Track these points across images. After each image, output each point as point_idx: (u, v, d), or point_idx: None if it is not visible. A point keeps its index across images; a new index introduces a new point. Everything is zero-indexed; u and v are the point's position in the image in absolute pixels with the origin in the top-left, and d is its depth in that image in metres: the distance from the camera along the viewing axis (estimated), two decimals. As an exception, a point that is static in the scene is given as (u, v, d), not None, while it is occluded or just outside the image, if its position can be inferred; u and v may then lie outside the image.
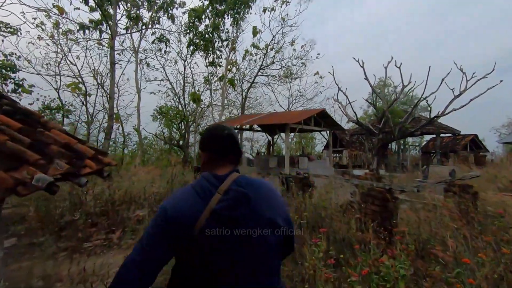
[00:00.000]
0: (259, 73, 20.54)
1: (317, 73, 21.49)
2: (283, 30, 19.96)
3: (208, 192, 1.07)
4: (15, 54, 16.32)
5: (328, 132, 13.91)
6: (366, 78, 10.42)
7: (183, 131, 18.55)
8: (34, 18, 16.06)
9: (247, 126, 15.12)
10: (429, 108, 9.44)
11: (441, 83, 9.54)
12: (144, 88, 18.59)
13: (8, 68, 15.95)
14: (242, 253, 1.04)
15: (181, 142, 18.65)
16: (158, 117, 18.66)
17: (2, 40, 17.40)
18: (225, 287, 1.03)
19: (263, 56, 20.23)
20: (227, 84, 18.11)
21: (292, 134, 20.01)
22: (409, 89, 9.99)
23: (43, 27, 15.69)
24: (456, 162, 13.88)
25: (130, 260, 1.04)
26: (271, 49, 20.39)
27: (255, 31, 20.02)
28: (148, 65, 17.87)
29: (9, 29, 16.17)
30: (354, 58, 10.50)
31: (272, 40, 20.09)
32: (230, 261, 1.03)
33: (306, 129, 11.71)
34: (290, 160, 11.82)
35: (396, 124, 9.97)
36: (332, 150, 20.79)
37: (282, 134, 17.15)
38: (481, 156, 16.43)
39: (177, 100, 19.25)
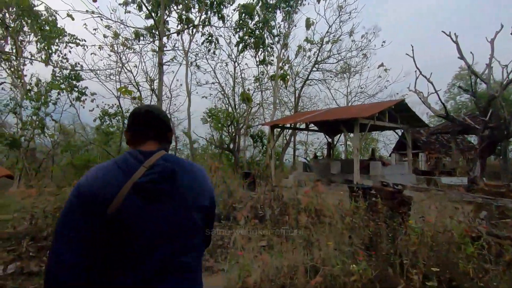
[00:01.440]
0: (314, 69, 18.63)
1: (382, 65, 18.68)
2: (340, 19, 17.80)
3: (132, 167, 1.01)
4: (79, 63, 17.35)
5: (404, 130, 11.23)
6: (462, 57, 7.89)
7: (233, 134, 17.62)
8: (95, 29, 16.94)
9: (302, 126, 13.40)
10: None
11: None
12: (196, 92, 18.25)
13: (74, 78, 17.05)
14: (163, 230, 0.98)
15: (231, 146, 17.74)
16: (208, 119, 18.07)
17: (70, 51, 18.92)
18: (142, 265, 0.94)
19: (318, 50, 18.30)
20: (279, 80, 16.64)
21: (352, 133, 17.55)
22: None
23: (104, 39, 16.36)
24: None
25: (50, 257, 0.94)
26: (327, 42, 18.36)
27: (308, 23, 18.26)
28: (198, 67, 17.44)
29: (76, 41, 17.32)
30: (444, 32, 8.06)
31: (327, 32, 18.07)
32: (149, 238, 0.96)
33: (379, 126, 9.41)
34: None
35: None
36: (403, 153, 17.71)
37: (344, 134, 15.00)
38: None
39: (227, 102, 18.47)
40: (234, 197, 7.39)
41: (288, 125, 11.91)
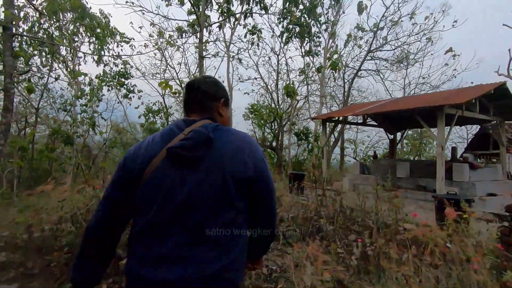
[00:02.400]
0: (368, 57, 16.64)
1: (450, 50, 15.95)
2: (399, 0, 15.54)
3: (172, 134, 1.03)
4: (127, 62, 17.70)
5: (497, 123, 8.94)
6: None
7: (277, 131, 16.49)
8: (140, 27, 17.16)
9: (357, 120, 11.76)
10: None
11: None
12: (238, 88, 17.53)
13: (123, 75, 17.45)
14: (193, 198, 0.94)
15: (274, 144, 16.64)
16: (250, 116, 17.19)
17: (121, 49, 19.54)
18: (170, 234, 0.93)
19: (373, 37, 16.27)
20: (329, 70, 15.06)
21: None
22: None
23: (150, 39, 16.46)
24: None
25: (99, 204, 1.08)
26: (382, 28, 16.23)
27: (360, 7, 16.26)
28: (240, 60, 16.64)
29: (124, 39, 17.72)
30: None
31: (383, 16, 15.93)
32: (179, 205, 0.94)
33: (467, 117, 7.42)
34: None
35: None
36: (483, 153, 14.91)
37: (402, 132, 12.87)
38: None
39: (270, 97, 17.40)
40: (281, 205, 6.28)
41: (342, 119, 10.35)
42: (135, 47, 17.23)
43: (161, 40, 16.98)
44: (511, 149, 12.86)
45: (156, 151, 0.99)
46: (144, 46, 17.33)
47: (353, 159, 20.73)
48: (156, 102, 16.83)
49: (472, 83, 15.21)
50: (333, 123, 10.35)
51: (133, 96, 17.40)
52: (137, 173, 0.98)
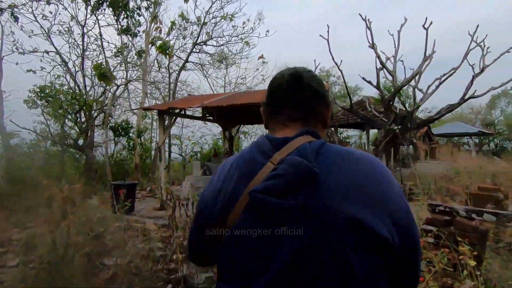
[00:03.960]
0: (195, 50, 15.94)
1: (262, 56, 18.22)
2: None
3: (254, 164, 0.69)
4: None
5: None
6: (372, 46, 7.54)
7: (84, 125, 12.48)
8: None
9: (194, 112, 10.58)
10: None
11: (464, 58, 7.41)
12: (14, 62, 11.62)
13: None
14: (287, 273, 0.59)
15: (80, 142, 12.53)
16: (39, 102, 11.96)
17: None
18: None
19: (199, 30, 15.71)
20: (158, 52, 12.95)
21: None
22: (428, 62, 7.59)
23: None
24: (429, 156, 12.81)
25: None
26: (205, 24, 16.02)
27: (186, -5, 15.29)
28: (15, 18, 11.06)
29: None
30: (361, 16, 7.46)
31: (207, 12, 15.67)
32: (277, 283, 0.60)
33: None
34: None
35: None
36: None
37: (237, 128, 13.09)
38: (433, 148, 16.20)
39: (72, 79, 12.97)
40: (101, 235, 4.00)
41: (183, 112, 8.79)
42: None
43: None
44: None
45: (235, 193, 0.68)
46: None
47: (179, 156, 19.66)
48: None
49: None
50: (173, 117, 8.57)
51: None
52: (212, 219, 0.72)
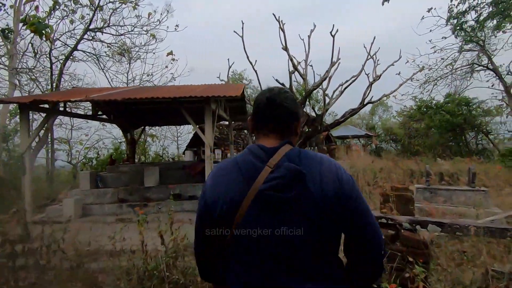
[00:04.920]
0: (88, 37, 13.36)
1: (171, 53, 16.81)
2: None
3: (253, 169, 0.91)
4: None
5: (229, 123, 9.59)
6: (285, 48, 7.56)
7: None
8: None
9: (80, 109, 8.44)
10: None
11: (363, 68, 8.21)
12: None
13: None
14: (285, 249, 0.87)
15: None
16: None
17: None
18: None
19: (93, 13, 13.26)
20: (31, 32, 10.05)
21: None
22: (335, 69, 8.06)
23: None
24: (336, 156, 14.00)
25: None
26: (100, 8, 13.68)
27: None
28: None
29: None
30: (274, 16, 7.34)
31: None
32: (267, 257, 0.88)
33: (219, 115, 7.07)
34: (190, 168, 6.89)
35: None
36: (196, 150, 16.84)
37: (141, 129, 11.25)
38: (332, 149, 18.02)
39: None
40: None
41: (62, 107, 6.78)
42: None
43: None
44: (227, 147, 15.54)
45: (241, 192, 0.88)
46: None
47: (68, 164, 16.25)
48: None
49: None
50: (47, 114, 6.49)
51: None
52: (222, 216, 0.91)
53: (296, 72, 8.17)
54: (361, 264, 0.95)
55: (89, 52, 14.66)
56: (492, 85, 17.79)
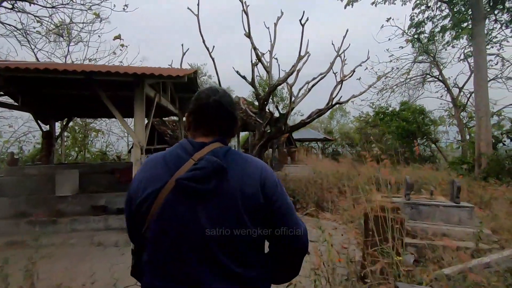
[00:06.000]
0: (7, 6, 10.89)
1: (119, 37, 14.77)
2: None
3: (179, 160, 0.93)
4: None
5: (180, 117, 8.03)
6: (249, 36, 6.53)
7: None
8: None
9: None
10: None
11: (331, 67, 7.54)
12: None
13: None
14: (205, 237, 0.86)
15: None
16: None
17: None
18: (176, 276, 0.88)
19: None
20: None
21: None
22: (303, 64, 7.24)
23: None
24: (297, 160, 13.37)
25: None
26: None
27: None
28: None
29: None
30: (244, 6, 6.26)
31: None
32: (189, 244, 0.87)
33: (162, 106, 5.58)
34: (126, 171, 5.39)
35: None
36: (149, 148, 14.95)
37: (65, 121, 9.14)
38: (293, 152, 17.53)
39: None
40: None
41: None
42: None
43: None
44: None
45: (162, 181, 0.89)
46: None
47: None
48: None
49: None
50: None
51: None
52: (144, 210, 0.90)
53: (260, 65, 7.23)
54: (280, 264, 1.00)
55: (11, 25, 12.07)
56: (441, 96, 18.98)
